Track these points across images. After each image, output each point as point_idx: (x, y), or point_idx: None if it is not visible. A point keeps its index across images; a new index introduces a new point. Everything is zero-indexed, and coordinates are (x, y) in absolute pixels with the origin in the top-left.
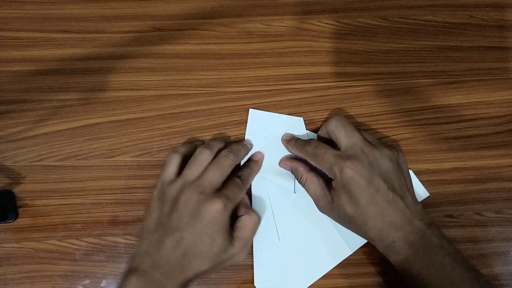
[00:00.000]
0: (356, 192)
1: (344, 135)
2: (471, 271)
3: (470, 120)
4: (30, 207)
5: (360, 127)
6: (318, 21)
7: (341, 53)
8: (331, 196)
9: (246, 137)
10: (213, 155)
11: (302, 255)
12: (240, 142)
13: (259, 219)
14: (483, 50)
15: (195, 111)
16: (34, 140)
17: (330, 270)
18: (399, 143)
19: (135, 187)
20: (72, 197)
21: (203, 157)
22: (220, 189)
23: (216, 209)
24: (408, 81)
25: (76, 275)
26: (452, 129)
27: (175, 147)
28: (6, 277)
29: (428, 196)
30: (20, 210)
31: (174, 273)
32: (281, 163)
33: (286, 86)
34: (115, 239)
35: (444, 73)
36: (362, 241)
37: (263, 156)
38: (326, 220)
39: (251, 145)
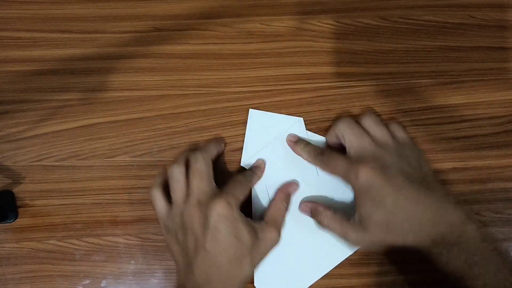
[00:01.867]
0: (377, 192)
1: (353, 139)
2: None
3: (470, 120)
4: (30, 207)
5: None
6: (318, 21)
7: (341, 53)
8: (358, 214)
9: (246, 137)
10: (183, 165)
11: (302, 255)
12: (206, 141)
13: (287, 205)
14: (483, 50)
15: (195, 111)
16: (34, 140)
17: (330, 270)
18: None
19: (135, 187)
20: (72, 197)
21: (176, 174)
22: (220, 189)
23: (220, 209)
24: (408, 81)
25: (76, 275)
26: (452, 129)
27: (175, 146)
28: (6, 277)
29: None
30: (20, 210)
31: (217, 286)
32: (301, 207)
33: (286, 86)
34: (115, 239)
35: (444, 73)
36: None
37: (264, 163)
38: None
39: (221, 139)
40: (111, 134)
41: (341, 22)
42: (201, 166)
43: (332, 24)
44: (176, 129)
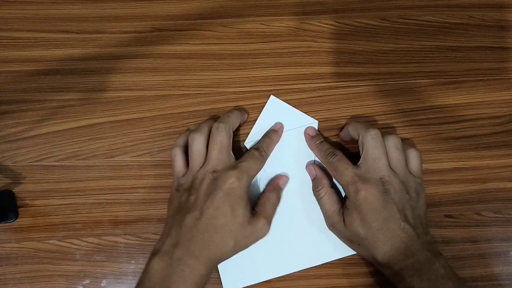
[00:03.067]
0: (368, 214)
1: (371, 157)
2: None
3: (470, 120)
4: (30, 207)
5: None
6: (318, 22)
7: (341, 54)
8: (344, 215)
9: (259, 120)
10: (205, 135)
11: (276, 247)
12: (229, 110)
13: (279, 197)
14: (483, 50)
15: (195, 111)
16: (34, 140)
17: (329, 270)
18: (409, 139)
19: (135, 187)
20: (72, 197)
21: (197, 143)
22: (235, 162)
23: (231, 181)
24: (408, 81)
25: (76, 275)
26: (452, 129)
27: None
28: (6, 277)
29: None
30: (20, 210)
31: (196, 249)
32: (309, 167)
33: (286, 86)
34: (115, 239)
35: (444, 73)
36: (342, 252)
37: (282, 127)
38: (314, 222)
39: (244, 110)
40: (111, 134)
41: (341, 22)
42: (222, 138)
43: (332, 24)
44: (176, 129)
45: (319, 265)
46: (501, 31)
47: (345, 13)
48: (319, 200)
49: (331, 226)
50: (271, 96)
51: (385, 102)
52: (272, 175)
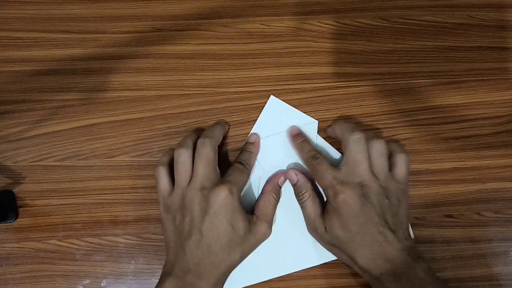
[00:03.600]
0: (347, 217)
1: (352, 161)
2: None
3: (470, 120)
4: (30, 207)
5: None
6: (318, 22)
7: (341, 54)
8: (324, 219)
9: (259, 120)
10: (191, 150)
11: (273, 249)
12: (212, 125)
13: (277, 198)
14: (483, 50)
15: (195, 111)
16: (34, 140)
17: (326, 270)
18: (399, 143)
19: (135, 187)
20: (72, 197)
21: (182, 157)
22: (221, 177)
23: (223, 196)
24: (408, 81)
25: (76, 275)
26: (452, 129)
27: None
28: (6, 277)
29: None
30: (20, 210)
31: (206, 271)
32: (290, 172)
33: (286, 87)
34: (115, 239)
35: (444, 73)
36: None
37: (258, 138)
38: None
39: (225, 123)
40: (111, 134)
41: (341, 22)
42: (208, 152)
43: (332, 24)
44: (176, 129)
45: (319, 265)
46: (501, 31)
47: (345, 13)
48: (301, 204)
49: (312, 230)
50: (271, 96)
51: (385, 102)
52: (269, 174)
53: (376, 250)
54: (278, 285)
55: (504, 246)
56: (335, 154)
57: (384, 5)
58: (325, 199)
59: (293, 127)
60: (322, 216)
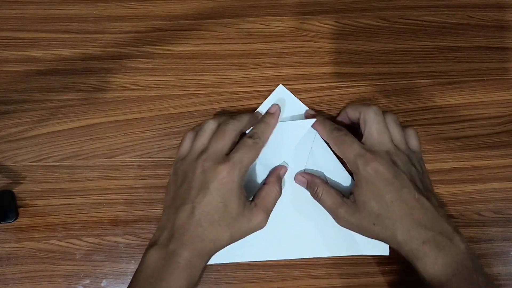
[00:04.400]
0: (380, 186)
1: (375, 130)
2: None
3: (470, 120)
4: (30, 207)
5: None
6: (318, 22)
7: (341, 54)
8: (354, 197)
9: (261, 107)
10: (217, 123)
11: (267, 234)
12: (245, 113)
13: (280, 191)
14: (483, 50)
15: (195, 111)
16: (34, 140)
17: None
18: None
19: (135, 187)
20: (72, 197)
21: (207, 126)
22: (228, 154)
23: (222, 175)
24: (408, 81)
25: (76, 275)
26: (452, 129)
27: (176, 146)
28: (6, 277)
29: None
30: (20, 210)
31: (190, 242)
32: (297, 178)
33: (286, 87)
34: (115, 239)
35: (444, 73)
36: (340, 250)
37: (279, 109)
38: (309, 214)
39: (260, 114)
40: (111, 134)
41: (341, 22)
42: (228, 130)
43: (332, 24)
44: (176, 129)
45: (319, 265)
46: (501, 31)
47: (345, 13)
48: (319, 200)
49: (339, 219)
50: (280, 85)
51: (385, 102)
52: (270, 166)
53: (415, 217)
54: (278, 285)
55: (504, 246)
56: (331, 156)
57: (384, 5)
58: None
59: (308, 110)
60: (343, 201)
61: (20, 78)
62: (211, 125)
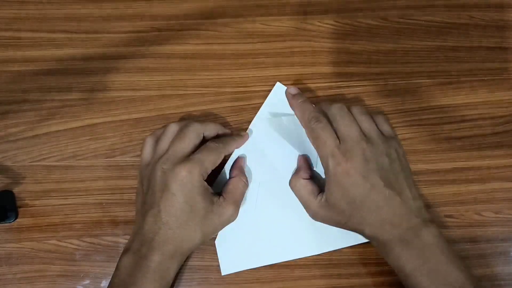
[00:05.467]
0: (350, 189)
1: (342, 125)
2: (465, 273)
3: (470, 120)
4: (30, 207)
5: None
6: (318, 21)
7: (341, 53)
8: (325, 195)
9: (263, 107)
10: (180, 127)
11: (270, 234)
12: (210, 121)
13: (246, 182)
14: (483, 50)
15: (195, 111)
16: (34, 140)
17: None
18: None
19: (135, 187)
20: (72, 197)
21: (168, 130)
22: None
23: (182, 175)
24: (408, 81)
25: (76, 275)
26: (452, 129)
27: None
28: (6, 277)
29: None
30: (20, 210)
31: (160, 245)
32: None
33: (287, 86)
34: (115, 239)
35: (444, 73)
36: (340, 243)
37: (248, 136)
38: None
39: (223, 128)
40: (111, 134)
41: (341, 22)
42: (189, 131)
43: (332, 24)
44: None
45: (319, 265)
46: (501, 31)
47: (345, 13)
48: (294, 190)
49: (314, 215)
50: (277, 82)
51: (385, 102)
52: (271, 160)
53: (383, 216)
54: (278, 285)
55: (504, 246)
56: None
57: (384, 5)
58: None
59: (290, 87)
60: (319, 198)
61: (20, 78)
62: (172, 128)
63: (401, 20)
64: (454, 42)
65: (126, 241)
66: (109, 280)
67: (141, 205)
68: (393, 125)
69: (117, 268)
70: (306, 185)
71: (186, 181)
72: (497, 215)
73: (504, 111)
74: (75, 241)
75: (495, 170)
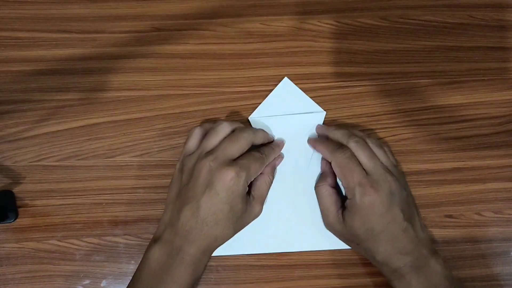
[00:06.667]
0: (372, 218)
1: (365, 158)
2: None
3: (470, 120)
4: (30, 207)
5: (358, 129)
6: (318, 21)
7: (341, 53)
8: (343, 216)
9: (267, 99)
10: (232, 128)
11: (272, 223)
12: (261, 129)
13: (272, 180)
14: (483, 50)
15: (195, 111)
16: (34, 140)
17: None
18: (399, 143)
19: (135, 187)
20: (72, 197)
21: (220, 128)
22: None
23: (229, 178)
24: (408, 81)
25: (76, 275)
26: (452, 129)
27: (176, 146)
28: (6, 277)
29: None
30: (20, 210)
31: (196, 239)
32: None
33: None
34: (115, 239)
35: (444, 73)
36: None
37: (283, 142)
38: (308, 207)
39: (274, 137)
40: (111, 134)
41: (341, 22)
42: (243, 138)
43: (332, 24)
44: (176, 129)
45: (319, 265)
46: (501, 31)
47: (345, 12)
48: (319, 196)
49: (328, 225)
50: (285, 78)
51: (385, 102)
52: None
53: (397, 245)
54: (278, 285)
55: (504, 246)
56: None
57: (384, 5)
58: (343, 193)
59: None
60: (339, 212)
61: (20, 78)
62: (225, 128)
63: (401, 20)
64: (454, 42)
65: (126, 241)
66: (109, 280)
67: (177, 195)
68: (393, 125)
69: (146, 257)
70: (332, 194)
71: (232, 184)
72: (497, 215)
73: (504, 111)
74: (75, 241)
75: (495, 170)
